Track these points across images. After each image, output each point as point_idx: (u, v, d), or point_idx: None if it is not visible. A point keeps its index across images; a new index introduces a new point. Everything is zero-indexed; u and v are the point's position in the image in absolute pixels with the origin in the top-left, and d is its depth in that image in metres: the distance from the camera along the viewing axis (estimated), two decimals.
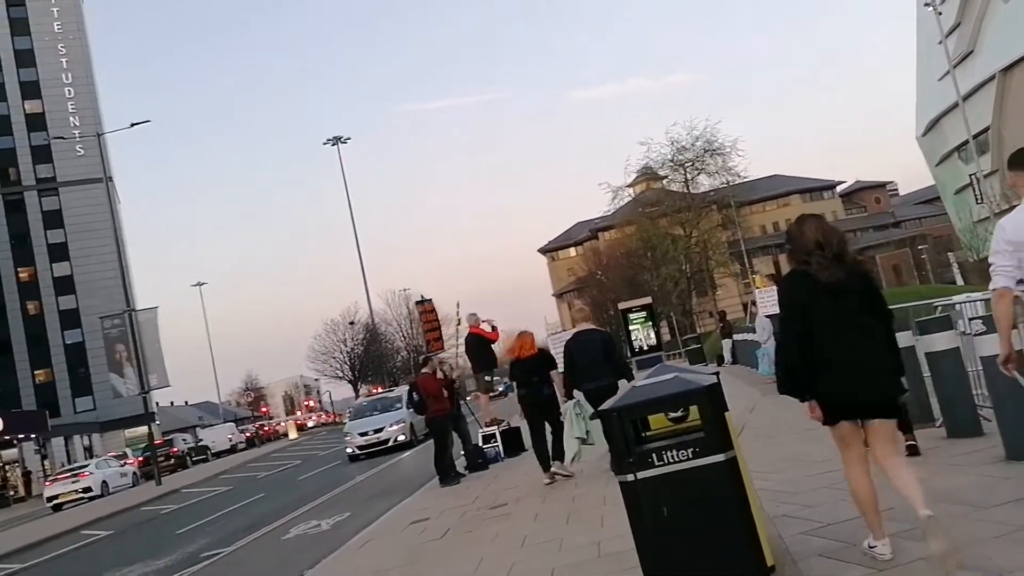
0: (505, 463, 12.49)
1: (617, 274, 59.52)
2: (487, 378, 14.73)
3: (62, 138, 57.10)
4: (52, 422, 50.44)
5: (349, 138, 54.77)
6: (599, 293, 63.78)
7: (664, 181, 53.21)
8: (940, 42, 43.49)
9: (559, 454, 9.32)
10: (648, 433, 3.86)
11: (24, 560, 16.44)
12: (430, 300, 14.89)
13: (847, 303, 3.82)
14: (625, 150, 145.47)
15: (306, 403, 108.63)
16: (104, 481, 31.61)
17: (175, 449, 43.49)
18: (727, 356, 23.80)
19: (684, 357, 29.37)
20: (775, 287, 16.49)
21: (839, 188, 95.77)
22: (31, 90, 71.14)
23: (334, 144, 53.94)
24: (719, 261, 53.65)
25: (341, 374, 71.04)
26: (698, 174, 50.16)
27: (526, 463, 11.94)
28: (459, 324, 14.90)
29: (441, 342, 14.54)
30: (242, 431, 61.83)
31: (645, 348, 27.29)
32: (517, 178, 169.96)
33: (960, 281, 48.10)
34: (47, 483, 33.12)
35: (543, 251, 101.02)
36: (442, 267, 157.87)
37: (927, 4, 42.57)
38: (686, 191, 50.96)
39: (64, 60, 71.99)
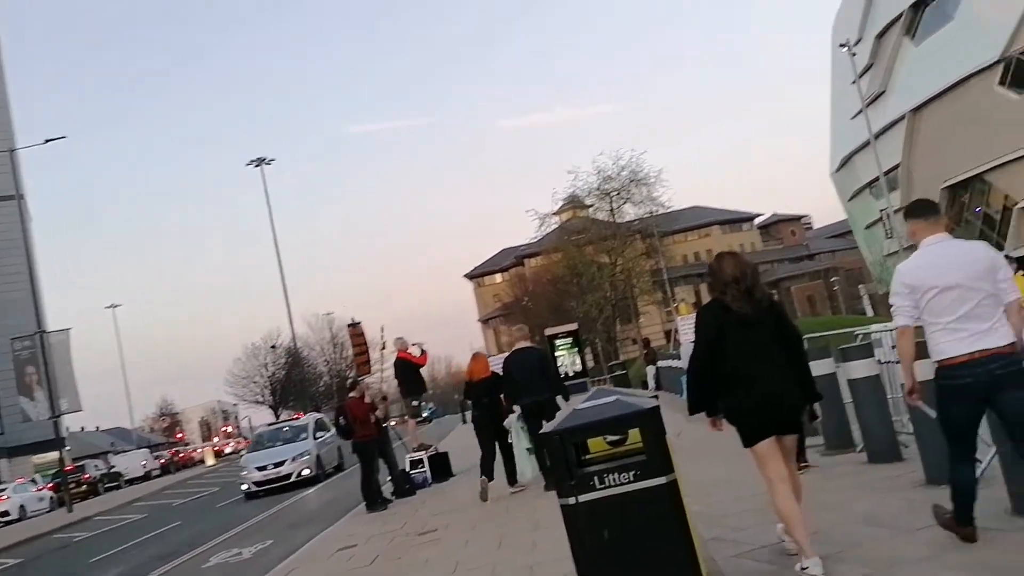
0: (433, 488, 12.36)
1: (543, 300, 59.92)
2: (415, 403, 14.59)
3: None
4: None
5: (273, 159, 53.72)
6: (525, 319, 63.91)
7: (590, 209, 54.04)
8: (853, 82, 45.51)
9: (512, 474, 9.70)
10: (587, 456, 3.87)
11: None
12: (360, 323, 14.69)
13: (759, 332, 4.25)
14: (553, 178, 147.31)
15: (224, 429, 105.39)
16: (22, 505, 30.55)
17: (87, 475, 41.73)
18: (651, 382, 24.15)
19: (609, 383, 29.67)
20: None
21: (757, 220, 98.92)
22: None
23: (257, 165, 52.89)
24: (643, 289, 54.64)
25: (261, 399, 69.29)
26: (624, 203, 51.14)
27: (455, 488, 11.84)
28: (383, 348, 14.72)
29: (369, 366, 14.34)
30: (156, 457, 59.60)
31: (571, 374, 27.50)
32: (444, 204, 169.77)
33: (870, 312, 50.13)
34: None
35: (469, 277, 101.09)
36: (367, 291, 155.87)
37: (842, 45, 44.63)
38: (612, 220, 51.84)
39: None
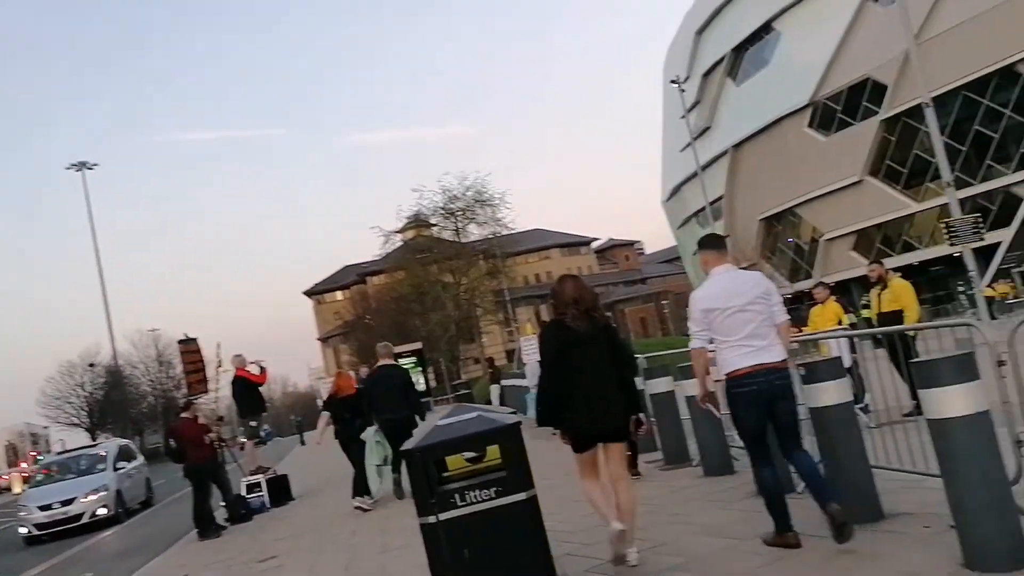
0: (271, 513, 11.85)
1: (386, 319, 59.23)
2: (252, 423, 13.96)
3: None
4: None
5: (96, 164, 50.06)
6: (367, 338, 62.98)
7: (435, 229, 54.08)
8: (682, 116, 48.36)
9: (360, 490, 9.82)
10: (447, 473, 3.84)
11: None
12: (195, 339, 13.91)
13: (594, 350, 4.69)
14: (399, 196, 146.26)
15: (33, 454, 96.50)
16: None
17: None
18: (495, 401, 24.36)
19: (452, 403, 29.70)
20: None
21: (594, 244, 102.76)
22: None
23: (78, 169, 49.20)
24: (486, 309, 55.20)
25: (77, 420, 64.08)
26: (468, 223, 51.53)
27: (295, 512, 11.42)
28: (220, 367, 14.02)
29: (206, 384, 13.57)
30: None
31: None
32: (285, 219, 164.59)
33: None
34: None
35: (309, 294, 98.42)
36: (199, 308, 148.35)
37: (673, 82, 47.30)
38: (457, 239, 52.11)
39: None
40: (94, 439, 57.41)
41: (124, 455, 18.56)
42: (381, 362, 10.16)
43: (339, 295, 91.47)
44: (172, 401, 60.69)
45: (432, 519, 3.65)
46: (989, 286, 31.49)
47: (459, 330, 55.39)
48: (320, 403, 11.27)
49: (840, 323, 10.03)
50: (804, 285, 42.12)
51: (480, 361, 51.93)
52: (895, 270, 10.73)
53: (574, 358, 4.66)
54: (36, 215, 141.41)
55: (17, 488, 54.09)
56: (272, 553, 8.46)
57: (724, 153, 52.07)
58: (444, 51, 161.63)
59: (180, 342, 13.73)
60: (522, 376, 19.07)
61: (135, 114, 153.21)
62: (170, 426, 12.27)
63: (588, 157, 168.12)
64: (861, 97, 42.35)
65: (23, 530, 16.01)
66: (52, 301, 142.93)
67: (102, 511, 15.91)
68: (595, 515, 6.28)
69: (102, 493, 16.16)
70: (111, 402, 62.11)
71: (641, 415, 4.89)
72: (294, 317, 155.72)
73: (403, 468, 9.18)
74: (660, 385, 8.55)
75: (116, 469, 17.28)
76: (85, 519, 15.71)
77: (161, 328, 65.23)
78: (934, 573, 3.83)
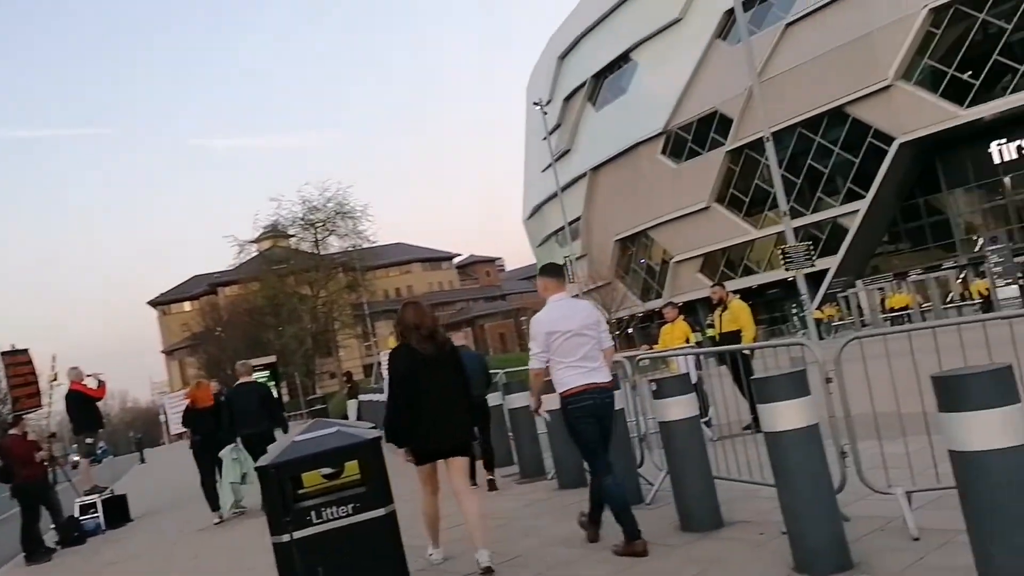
0: (107, 535, 11.13)
1: (238, 331, 56.96)
2: (88, 440, 13.06)
3: None
4: None
5: None
6: (217, 350, 60.39)
7: (293, 240, 52.69)
8: (544, 138, 49.55)
9: (215, 504, 9.90)
10: (303, 490, 3.76)
11: None
12: (26, 350, 12.85)
13: (439, 372, 5.01)
14: (256, 205, 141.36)
15: None
16: None
17: None
18: (352, 416, 23.88)
19: (307, 418, 28.90)
20: None
21: (456, 260, 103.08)
22: None
23: None
24: (344, 322, 54.21)
25: None
26: (328, 235, 50.56)
27: (134, 534, 10.79)
28: (55, 380, 13.06)
29: (39, 399, 12.57)
30: None
31: None
32: (129, 226, 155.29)
33: None
34: None
35: (154, 304, 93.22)
36: (29, 319, 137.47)
37: (535, 104, 48.39)
38: (316, 251, 50.96)
39: None
40: None
41: None
42: (240, 380, 10.19)
43: (187, 306, 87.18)
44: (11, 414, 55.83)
45: (286, 537, 3.57)
46: (818, 309, 33.94)
47: (316, 344, 54.10)
48: (163, 419, 10.81)
49: (688, 341, 10.53)
50: (655, 304, 43.97)
51: (337, 376, 50.85)
52: (736, 292, 11.42)
53: (421, 380, 4.95)
54: None
55: None
56: None
57: (583, 175, 53.64)
58: (301, 58, 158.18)
59: (4, 354, 12.65)
60: (381, 391, 18.83)
61: None
62: None
63: (452, 173, 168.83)
64: (709, 128, 44.80)
65: None
66: None
67: None
68: (452, 529, 6.35)
69: None
70: None
71: (475, 429, 5.40)
72: (137, 329, 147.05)
73: None
74: (518, 400, 8.71)
75: None
76: None
77: None
78: None
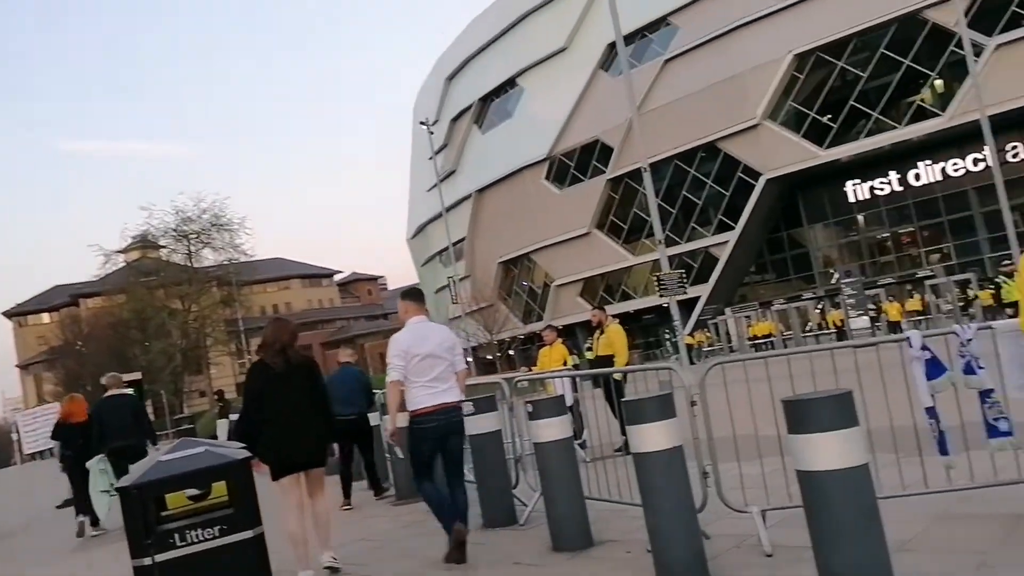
0: None
1: (101, 346, 53.85)
2: None
3: None
4: None
5: None
6: (77, 365, 56.89)
7: (164, 251, 50.46)
8: (430, 158, 49.59)
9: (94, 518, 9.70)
10: (166, 512, 3.63)
11: None
12: None
13: (289, 386, 5.24)
14: (126, 214, 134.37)
15: None
16: None
17: None
18: (223, 437, 22.98)
19: (173, 438, 27.60)
20: None
21: (337, 277, 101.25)
22: None
23: None
24: (217, 339, 52.23)
25: None
26: (203, 247, 48.74)
27: None
28: None
29: None
30: None
31: None
32: None
33: None
34: None
35: (9, 315, 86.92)
36: None
37: (422, 123, 48.43)
38: (189, 264, 48.96)
39: None
40: None
41: None
42: (110, 392, 9.83)
43: (46, 317, 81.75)
44: None
45: (147, 561, 3.44)
46: (690, 335, 35.32)
47: (186, 360, 51.84)
48: (15, 437, 10.18)
49: (565, 364, 10.76)
50: (536, 327, 44.56)
51: (208, 394, 48.86)
52: (615, 317, 11.75)
53: (274, 394, 5.20)
54: None
55: None
56: None
57: (468, 197, 53.96)
58: (186, 66, 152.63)
59: None
60: None
61: None
62: None
63: (338, 191, 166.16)
64: (592, 156, 46.06)
65: None
66: None
67: None
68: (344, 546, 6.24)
69: None
70: None
71: (334, 445, 5.61)
72: None
73: None
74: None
75: None
76: None
77: None
78: None
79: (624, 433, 7.23)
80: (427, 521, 7.12)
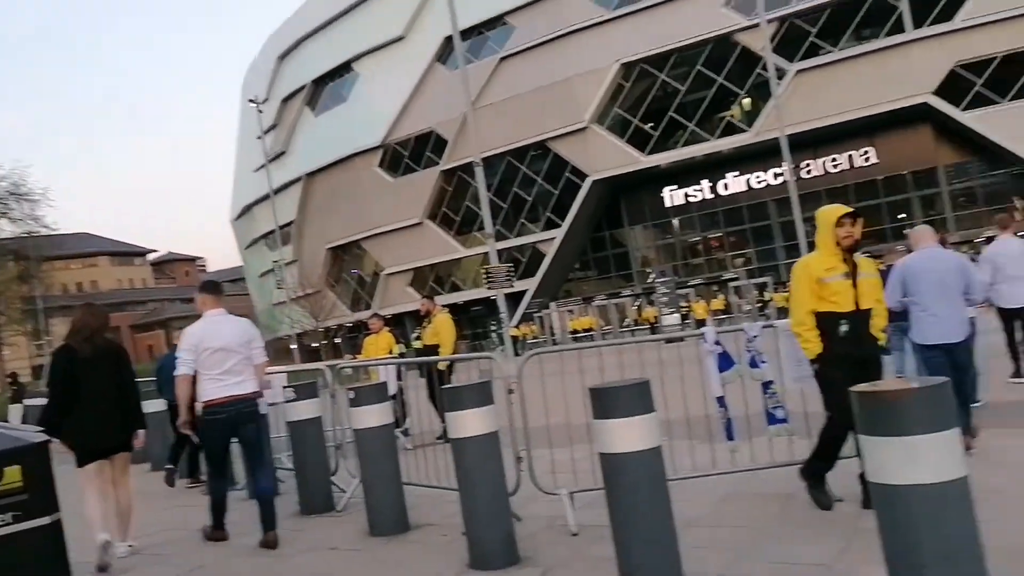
0: None
1: None
2: None
3: None
4: None
5: None
6: None
7: None
8: (259, 137, 47.75)
9: None
10: None
11: None
12: None
13: (100, 373, 5.34)
14: None
15: None
16: None
17: None
18: (16, 422, 21.12)
19: None
20: None
21: (151, 256, 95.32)
22: None
23: None
24: (12, 318, 47.64)
25: None
26: (0, 218, 44.28)
27: None
28: None
29: None
30: None
31: None
32: None
33: None
34: None
35: None
36: None
37: (251, 101, 46.53)
38: None
39: None
40: None
41: None
42: None
43: None
44: None
45: None
46: (516, 327, 36.25)
47: None
48: None
49: (391, 352, 10.80)
50: (364, 315, 44.08)
51: None
52: (445, 307, 11.90)
53: (80, 379, 5.26)
54: None
55: None
56: None
57: (298, 180, 52.45)
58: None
59: None
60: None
61: None
62: None
63: (158, 167, 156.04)
64: (426, 147, 46.08)
65: None
66: None
67: None
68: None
69: None
70: None
71: (141, 431, 5.57)
72: None
73: None
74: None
75: None
76: None
77: None
78: (444, 575, 4.41)
79: (443, 421, 7.41)
80: (240, 508, 6.98)
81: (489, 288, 24.21)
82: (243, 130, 58.96)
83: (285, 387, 6.60)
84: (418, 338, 14.78)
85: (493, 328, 42.99)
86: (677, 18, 37.23)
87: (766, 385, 5.21)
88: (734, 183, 41.32)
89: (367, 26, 47.48)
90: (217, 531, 5.63)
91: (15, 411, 21.30)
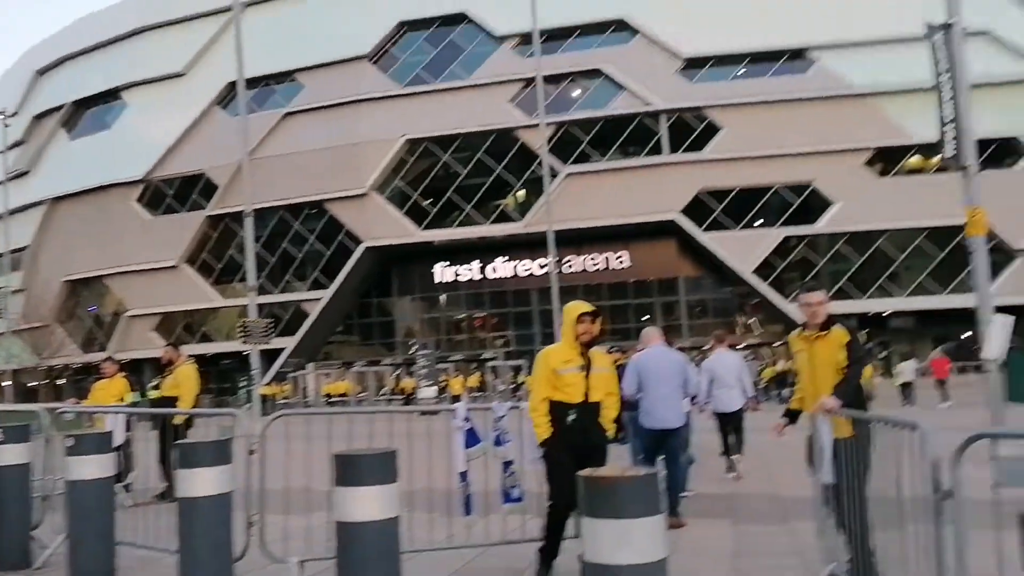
0: None
1: None
2: None
3: None
4: None
5: None
6: None
7: None
8: (1, 152, 42.93)
9: None
10: None
11: None
12: None
13: None
14: None
15: None
16: None
17: None
18: None
19: None
20: None
21: None
22: None
23: None
24: None
25: None
26: None
27: None
28: None
29: None
30: None
31: None
32: None
33: None
34: None
35: None
36: None
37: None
38: None
39: None
40: None
41: None
42: None
43: None
44: None
45: None
46: (268, 385, 34.76)
47: None
48: None
49: (122, 400, 9.96)
50: (97, 357, 40.17)
51: None
52: (192, 357, 11.18)
53: None
54: None
55: None
56: None
57: (41, 203, 47.62)
58: None
59: None
60: None
61: None
62: None
63: None
64: (193, 189, 43.75)
65: None
66: None
67: None
68: None
69: None
70: None
71: None
72: None
73: None
74: None
75: None
76: None
77: None
78: None
79: (168, 478, 6.96)
80: None
81: (244, 342, 23.12)
82: None
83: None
84: (156, 387, 13.76)
85: (243, 384, 40.87)
86: (465, 105, 38.83)
87: (507, 464, 5.43)
88: (502, 268, 43.04)
89: (145, 56, 44.78)
90: None
91: None
